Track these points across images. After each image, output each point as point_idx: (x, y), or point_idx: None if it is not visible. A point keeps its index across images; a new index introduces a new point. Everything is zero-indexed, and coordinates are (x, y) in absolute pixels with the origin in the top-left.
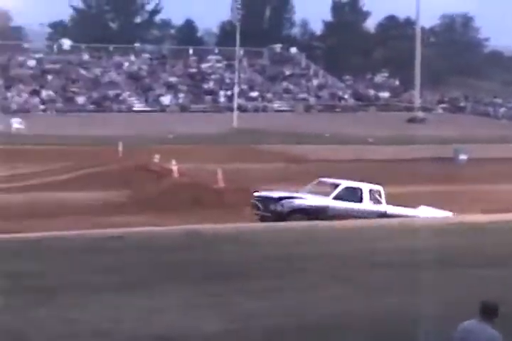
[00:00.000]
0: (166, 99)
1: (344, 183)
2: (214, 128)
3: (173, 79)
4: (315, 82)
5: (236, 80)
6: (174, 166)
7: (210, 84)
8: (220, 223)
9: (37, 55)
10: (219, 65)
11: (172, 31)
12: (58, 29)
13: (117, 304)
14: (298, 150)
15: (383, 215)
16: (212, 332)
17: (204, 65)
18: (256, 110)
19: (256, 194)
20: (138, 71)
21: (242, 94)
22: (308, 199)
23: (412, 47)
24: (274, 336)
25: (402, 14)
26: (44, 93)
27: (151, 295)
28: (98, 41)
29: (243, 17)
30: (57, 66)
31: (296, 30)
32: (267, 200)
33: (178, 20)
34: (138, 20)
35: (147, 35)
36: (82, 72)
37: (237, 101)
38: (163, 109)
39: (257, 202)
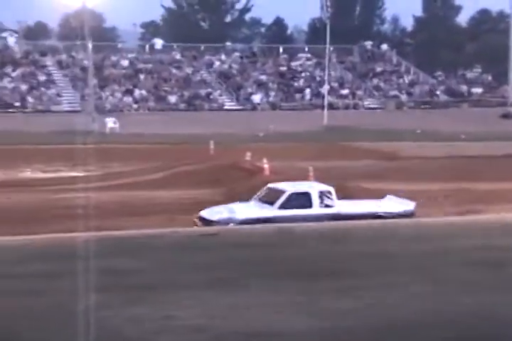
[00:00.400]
0: (257, 98)
1: (289, 190)
2: (304, 125)
3: (263, 78)
4: (406, 78)
5: (326, 78)
6: (265, 164)
7: (300, 82)
8: None
9: (130, 55)
10: (309, 62)
11: (262, 29)
12: (150, 29)
13: (210, 301)
14: (389, 148)
15: (336, 217)
16: (304, 329)
17: (294, 63)
18: (346, 107)
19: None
20: (229, 70)
21: (332, 91)
22: (250, 213)
23: (505, 42)
24: (364, 335)
25: (495, 7)
26: (137, 92)
27: (244, 292)
28: (189, 40)
29: (333, 14)
30: (149, 65)
31: (386, 27)
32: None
33: (268, 19)
34: (228, 19)
35: (237, 33)
36: (174, 71)
37: (327, 99)
38: (254, 107)
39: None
